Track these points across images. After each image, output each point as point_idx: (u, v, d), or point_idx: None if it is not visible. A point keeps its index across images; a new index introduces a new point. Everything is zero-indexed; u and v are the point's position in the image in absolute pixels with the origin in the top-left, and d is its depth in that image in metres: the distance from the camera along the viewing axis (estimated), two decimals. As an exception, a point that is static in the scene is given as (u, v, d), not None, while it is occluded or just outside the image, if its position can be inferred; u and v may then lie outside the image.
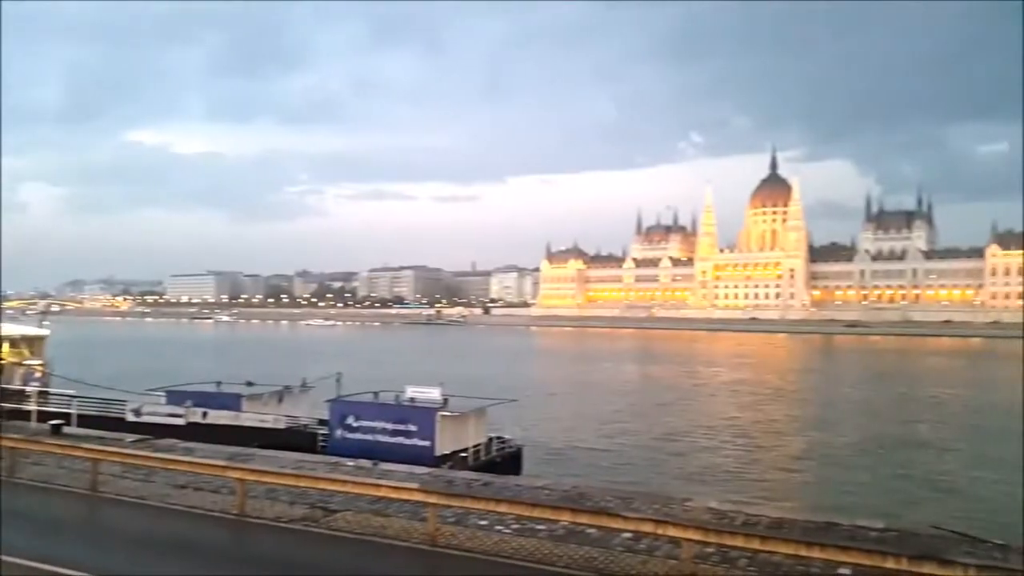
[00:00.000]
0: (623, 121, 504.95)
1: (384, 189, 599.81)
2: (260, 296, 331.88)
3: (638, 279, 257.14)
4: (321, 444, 24.54)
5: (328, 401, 25.53)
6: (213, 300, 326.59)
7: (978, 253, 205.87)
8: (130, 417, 27.17)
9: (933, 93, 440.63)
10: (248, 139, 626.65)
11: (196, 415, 26.44)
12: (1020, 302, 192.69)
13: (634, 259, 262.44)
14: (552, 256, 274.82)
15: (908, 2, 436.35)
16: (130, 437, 21.10)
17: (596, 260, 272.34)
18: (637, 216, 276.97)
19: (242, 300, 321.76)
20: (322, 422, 25.85)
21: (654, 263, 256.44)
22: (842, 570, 10.87)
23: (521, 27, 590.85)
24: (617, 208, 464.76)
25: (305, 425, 26.84)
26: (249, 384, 28.85)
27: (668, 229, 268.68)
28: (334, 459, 19.69)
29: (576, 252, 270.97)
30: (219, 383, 29.21)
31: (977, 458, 32.40)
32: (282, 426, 26.34)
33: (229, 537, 13.76)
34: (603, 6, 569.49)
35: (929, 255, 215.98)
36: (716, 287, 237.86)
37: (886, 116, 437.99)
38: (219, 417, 26.22)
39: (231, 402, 27.18)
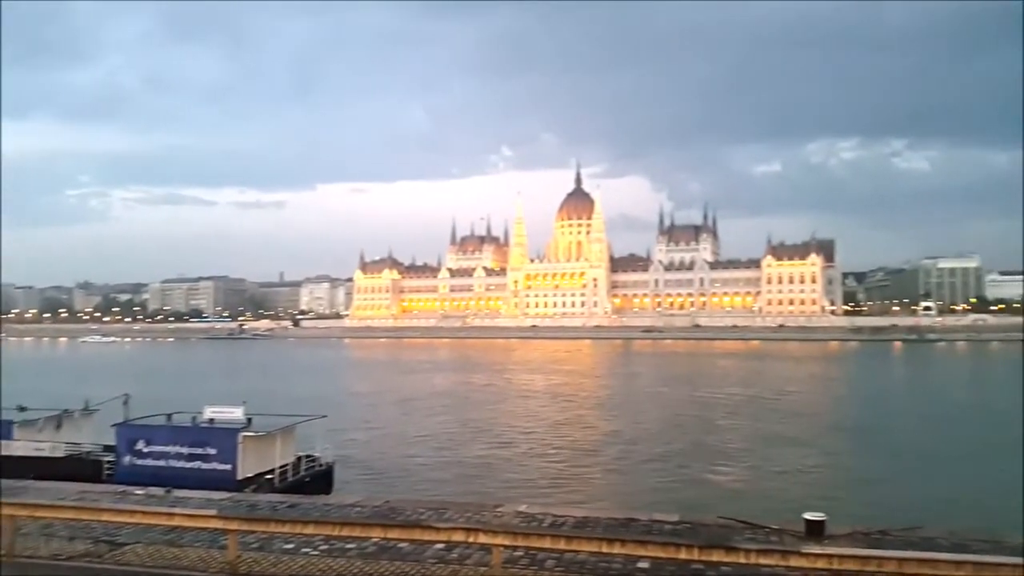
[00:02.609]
0: (437, 132, 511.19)
1: (179, 193, 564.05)
2: (34, 310, 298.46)
3: (453, 289, 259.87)
4: (107, 472, 22.46)
5: (115, 425, 23.37)
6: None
7: (756, 264, 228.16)
8: None
9: (716, 117, 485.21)
10: (20, 136, 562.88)
11: (-45, 447, 23.26)
12: (792, 308, 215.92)
13: (449, 269, 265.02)
14: (366, 266, 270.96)
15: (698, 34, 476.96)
16: None
17: (411, 270, 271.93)
18: (452, 226, 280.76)
19: (12, 315, 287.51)
20: (108, 448, 23.64)
21: (468, 273, 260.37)
22: (641, 564, 11.49)
23: (331, 30, 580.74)
24: (432, 218, 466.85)
25: (88, 452, 24.45)
26: (21, 409, 25.77)
27: (482, 240, 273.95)
28: (122, 488, 18.09)
29: (391, 262, 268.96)
30: (-17, 409, 25.87)
31: (761, 454, 35.62)
32: (61, 454, 23.85)
33: (-7, 583, 12.19)
34: (418, 16, 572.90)
35: (714, 265, 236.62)
36: (527, 296, 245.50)
37: (676, 137, 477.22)
38: (-16, 448, 23.25)
39: (-1, 430, 24.17)
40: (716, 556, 10.34)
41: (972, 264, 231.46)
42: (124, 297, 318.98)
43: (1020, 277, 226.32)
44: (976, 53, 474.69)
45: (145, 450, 22.03)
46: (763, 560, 10.20)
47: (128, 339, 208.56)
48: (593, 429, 43.91)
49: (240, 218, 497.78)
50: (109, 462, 22.90)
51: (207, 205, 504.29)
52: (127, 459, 22.16)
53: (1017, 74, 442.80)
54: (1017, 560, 9.86)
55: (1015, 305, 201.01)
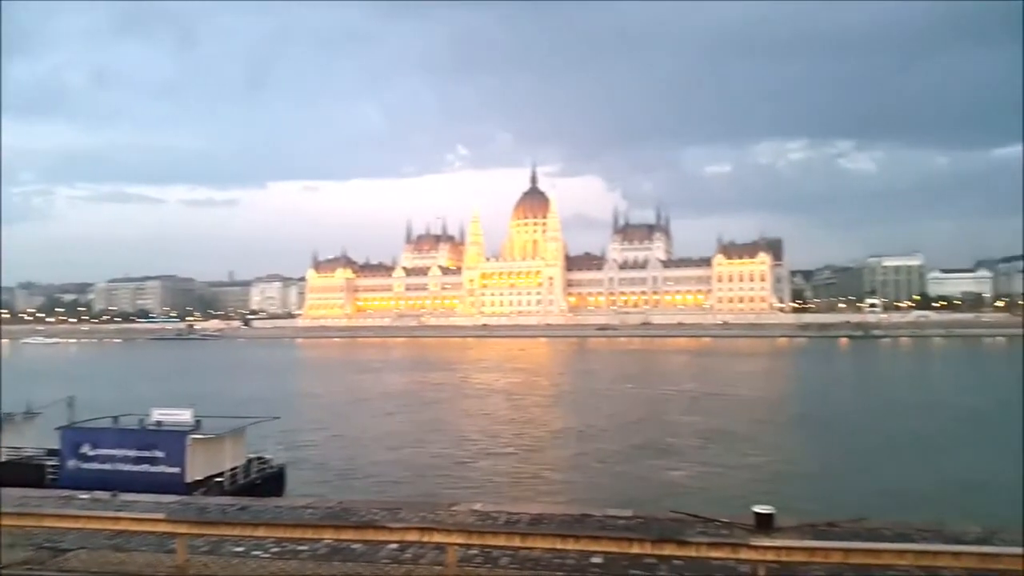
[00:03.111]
0: (391, 130, 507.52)
1: (126, 191, 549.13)
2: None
3: (408, 288, 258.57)
4: (51, 477, 21.82)
5: (59, 429, 22.73)
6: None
7: (707, 262, 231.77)
8: None
9: (667, 119, 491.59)
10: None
11: None
12: (741, 305, 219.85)
13: (404, 268, 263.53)
14: (319, 265, 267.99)
15: (649, 40, 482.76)
16: None
17: (365, 269, 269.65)
18: (407, 225, 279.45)
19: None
20: (52, 452, 22.98)
21: (424, 272, 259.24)
22: (594, 559, 11.60)
23: (283, 28, 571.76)
24: (386, 217, 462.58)
25: (30, 457, 23.73)
26: (-43, 414, 24.89)
27: (437, 238, 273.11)
28: (67, 493, 17.60)
29: (345, 261, 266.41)
30: (-83, 415, 24.91)
31: (712, 449, 36.21)
32: (1, 459, 23.12)
33: (-74, 596, 11.74)
34: (371, 15, 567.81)
35: (667, 264, 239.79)
36: (483, 295, 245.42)
37: (629, 138, 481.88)
38: (-81, 455, 22.42)
39: (-66, 436, 23.31)
40: (668, 550, 10.49)
41: (915, 262, 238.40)
42: (69, 297, 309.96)
43: (961, 274, 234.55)
44: (920, 58, 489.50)
45: (91, 454, 21.47)
46: (714, 553, 10.36)
47: (73, 340, 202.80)
48: (548, 427, 44.10)
49: (189, 216, 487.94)
50: (52, 466, 22.27)
51: (155, 203, 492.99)
52: (72, 463, 21.57)
53: (961, 78, 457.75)
54: (955, 548, 10.23)
55: (956, 302, 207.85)
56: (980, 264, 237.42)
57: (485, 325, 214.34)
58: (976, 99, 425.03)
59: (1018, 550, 9.75)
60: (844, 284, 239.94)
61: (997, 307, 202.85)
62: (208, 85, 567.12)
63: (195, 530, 11.99)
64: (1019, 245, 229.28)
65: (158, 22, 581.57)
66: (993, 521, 14.04)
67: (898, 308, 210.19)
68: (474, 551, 11.89)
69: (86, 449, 21.58)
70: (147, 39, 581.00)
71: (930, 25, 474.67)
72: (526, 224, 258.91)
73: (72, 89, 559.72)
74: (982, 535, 12.64)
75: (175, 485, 19.72)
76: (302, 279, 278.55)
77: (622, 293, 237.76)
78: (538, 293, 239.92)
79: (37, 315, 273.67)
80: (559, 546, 10.80)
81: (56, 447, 22.59)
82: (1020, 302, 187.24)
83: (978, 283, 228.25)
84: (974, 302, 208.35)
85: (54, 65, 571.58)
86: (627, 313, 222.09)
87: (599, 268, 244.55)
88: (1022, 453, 28.08)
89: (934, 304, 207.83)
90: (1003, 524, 13.70)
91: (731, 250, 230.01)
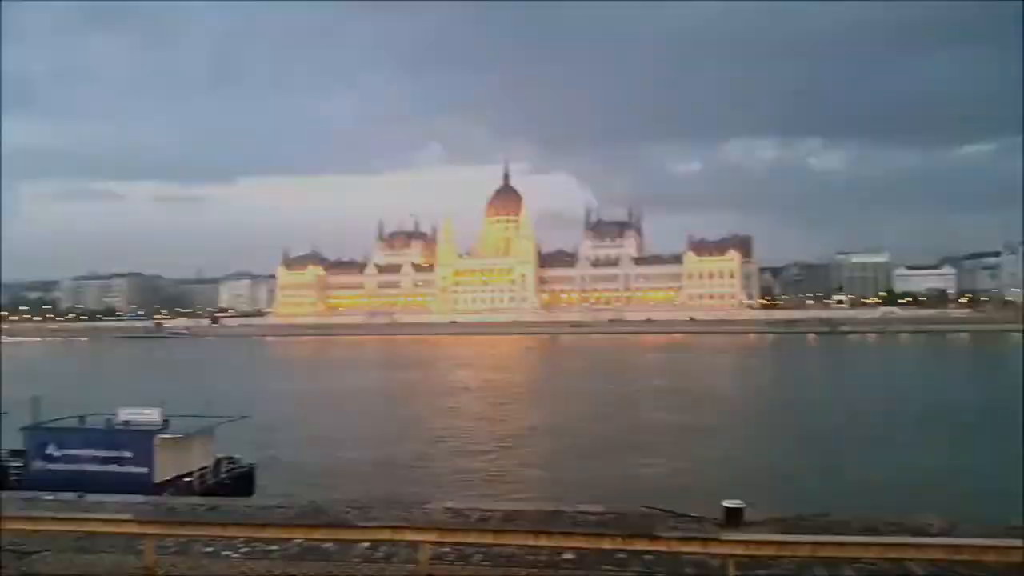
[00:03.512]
0: (363, 125, 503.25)
1: (92, 187, 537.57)
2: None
3: (381, 285, 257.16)
4: (15, 479, 21.46)
5: (23, 429, 22.35)
6: None
7: (678, 259, 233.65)
8: None
9: (639, 117, 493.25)
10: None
11: None
12: (712, 302, 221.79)
13: (376, 265, 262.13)
14: (289, 262, 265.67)
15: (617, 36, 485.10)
16: None
17: (337, 266, 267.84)
18: (379, 222, 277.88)
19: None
20: (15, 453, 22.58)
21: (396, 269, 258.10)
22: (567, 555, 11.66)
23: (251, 24, 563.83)
24: (358, 213, 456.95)
25: (-7, 458, 23.30)
26: (-84, 415, 24.32)
27: (410, 235, 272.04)
28: (31, 495, 17.32)
29: (316, 257, 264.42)
30: None
31: (683, 444, 36.54)
32: (-37, 461, 22.66)
33: None
34: (343, 9, 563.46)
35: (638, 261, 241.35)
36: (456, 292, 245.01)
37: (601, 135, 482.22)
38: None
39: None
40: (639, 544, 10.58)
41: (881, 259, 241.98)
42: (34, 295, 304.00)
43: (926, 271, 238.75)
44: (888, 58, 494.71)
45: (56, 454, 21.17)
46: (684, 548, 10.47)
47: (39, 339, 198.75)
48: (520, 423, 44.20)
49: (156, 213, 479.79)
50: (17, 468, 21.90)
51: (121, 199, 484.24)
52: (37, 464, 21.27)
53: (928, 77, 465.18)
54: (919, 540, 10.46)
55: (921, 298, 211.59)
56: (945, 261, 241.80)
57: (454, 322, 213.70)
58: (943, 97, 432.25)
59: (978, 541, 10.00)
60: (812, 281, 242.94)
61: (961, 303, 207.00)
62: (175, 80, 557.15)
63: (164, 531, 11.86)
64: (982, 242, 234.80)
65: (125, 16, 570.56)
66: (955, 513, 14.37)
67: (865, 304, 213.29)
68: (447, 549, 11.89)
69: (52, 450, 21.27)
70: (113, 33, 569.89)
71: (898, 26, 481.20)
72: (499, 221, 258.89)
73: (34, 84, 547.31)
74: (944, 527, 12.93)
75: (143, 485, 19.51)
76: (272, 276, 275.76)
77: (595, 290, 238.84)
78: (511, 290, 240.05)
79: (1, 314, 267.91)
80: (531, 542, 10.84)
81: (20, 448, 22.23)
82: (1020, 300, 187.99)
83: (943, 279, 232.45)
84: (939, 298, 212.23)
85: (13, 59, 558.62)
86: (599, 310, 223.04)
87: (571, 265, 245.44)
88: (978, 447, 28.70)
89: (900, 300, 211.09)
90: (964, 516, 14.02)
91: (701, 247, 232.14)
